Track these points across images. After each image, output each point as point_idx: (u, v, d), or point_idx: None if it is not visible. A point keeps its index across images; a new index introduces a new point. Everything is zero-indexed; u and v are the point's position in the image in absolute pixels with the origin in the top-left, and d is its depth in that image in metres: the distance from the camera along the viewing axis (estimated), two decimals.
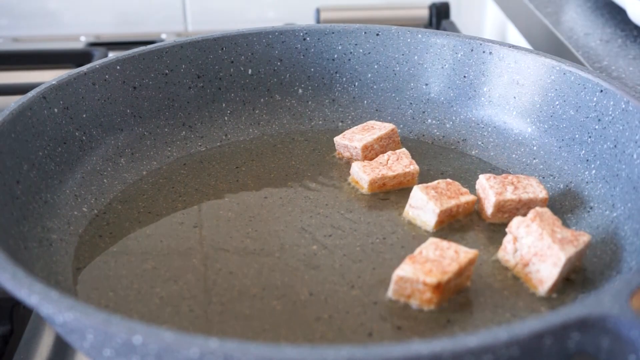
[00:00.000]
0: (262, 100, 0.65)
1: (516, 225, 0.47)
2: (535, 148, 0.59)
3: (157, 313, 0.44)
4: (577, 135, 0.56)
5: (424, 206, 0.51)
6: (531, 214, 0.47)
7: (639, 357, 0.32)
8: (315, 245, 0.49)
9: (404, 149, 0.57)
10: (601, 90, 0.54)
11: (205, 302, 0.45)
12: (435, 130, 0.64)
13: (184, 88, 0.63)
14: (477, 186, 0.53)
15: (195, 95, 0.63)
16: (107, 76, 0.58)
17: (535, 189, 0.52)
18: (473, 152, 0.61)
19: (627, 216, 0.48)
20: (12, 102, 0.51)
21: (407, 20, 0.97)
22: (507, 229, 0.47)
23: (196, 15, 1.10)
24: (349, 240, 0.50)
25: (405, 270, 0.43)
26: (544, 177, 0.57)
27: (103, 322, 0.32)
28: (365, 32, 0.65)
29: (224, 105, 0.64)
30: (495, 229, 0.51)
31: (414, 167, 0.56)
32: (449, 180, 0.53)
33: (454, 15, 1.04)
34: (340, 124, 0.65)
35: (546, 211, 0.47)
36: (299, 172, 0.59)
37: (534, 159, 0.58)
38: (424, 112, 0.65)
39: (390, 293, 0.44)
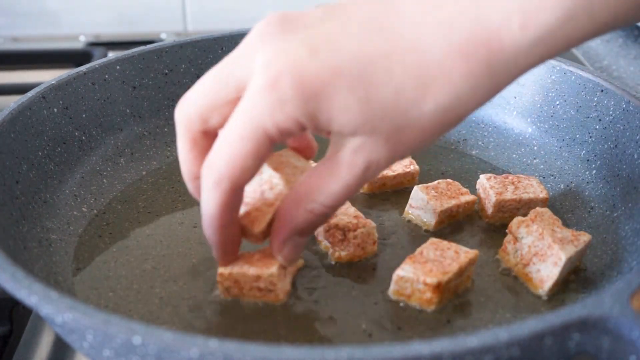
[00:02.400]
0: None
1: (516, 225, 0.47)
2: (535, 148, 0.59)
3: (157, 313, 0.44)
4: (577, 135, 0.56)
5: (424, 206, 0.51)
6: (531, 214, 0.47)
7: (639, 357, 0.31)
8: (315, 246, 0.49)
9: None
10: (602, 90, 0.54)
11: (205, 302, 0.44)
12: None
13: (184, 88, 0.62)
14: (477, 186, 0.53)
15: None
16: (106, 76, 0.58)
17: (535, 189, 0.52)
18: (473, 152, 0.61)
19: (628, 216, 0.48)
20: (12, 102, 0.51)
21: None
22: (507, 229, 0.47)
23: (196, 15, 1.10)
24: None
25: (405, 270, 0.43)
26: (544, 177, 0.57)
27: (102, 323, 0.31)
28: None
29: None
30: (496, 229, 0.51)
31: (414, 167, 0.56)
32: (449, 180, 0.53)
33: None
34: None
35: (546, 211, 0.47)
36: None
37: (535, 158, 0.58)
38: None
39: (390, 293, 0.44)
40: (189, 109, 0.40)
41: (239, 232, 0.42)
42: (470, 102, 0.36)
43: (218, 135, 0.38)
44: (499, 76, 0.35)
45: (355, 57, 0.35)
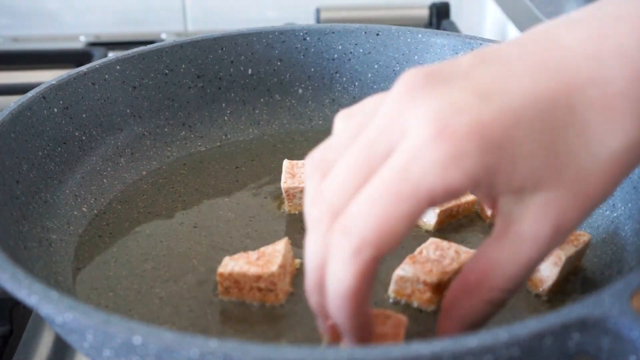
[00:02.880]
0: (262, 100, 0.65)
1: None
2: None
3: (157, 313, 0.44)
4: None
5: None
6: None
7: (639, 357, 0.31)
8: None
9: None
10: None
11: (205, 302, 0.44)
12: None
13: (184, 88, 0.63)
14: None
15: (195, 95, 0.63)
16: (106, 76, 0.58)
17: None
18: None
19: (628, 216, 0.48)
20: (12, 102, 0.51)
21: (407, 20, 0.97)
22: None
23: (196, 15, 1.10)
24: None
25: (405, 270, 0.43)
26: None
27: (103, 323, 0.31)
28: (365, 32, 0.65)
29: (224, 105, 0.64)
30: None
31: None
32: None
33: (454, 15, 1.04)
34: None
35: None
36: None
37: None
38: None
39: (390, 293, 0.44)
40: (362, 233, 0.31)
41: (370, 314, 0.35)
42: None
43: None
44: None
45: (533, 98, 0.31)
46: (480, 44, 0.62)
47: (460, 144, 0.29)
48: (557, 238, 0.32)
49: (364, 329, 0.34)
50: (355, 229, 0.30)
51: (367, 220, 0.30)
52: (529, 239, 0.32)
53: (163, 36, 1.02)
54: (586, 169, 0.32)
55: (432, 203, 0.30)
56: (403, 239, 0.31)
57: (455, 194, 0.30)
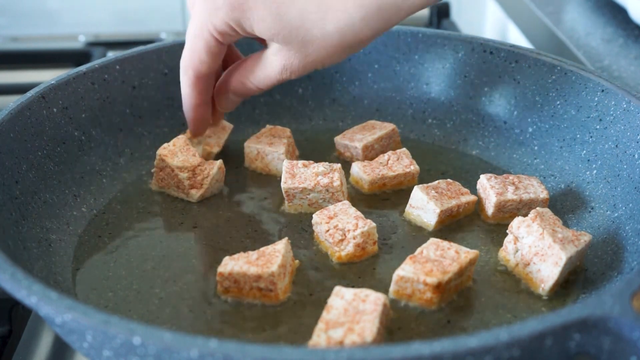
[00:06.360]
0: (262, 100, 0.65)
1: (517, 225, 0.47)
2: (536, 148, 0.59)
3: (156, 313, 0.44)
4: (578, 135, 0.56)
5: (424, 206, 0.51)
6: (532, 213, 0.47)
7: None
8: (315, 246, 0.49)
9: (404, 149, 0.57)
10: (602, 90, 0.54)
11: (205, 302, 0.44)
12: (436, 130, 0.64)
13: None
14: (477, 186, 0.53)
15: None
16: (106, 76, 0.58)
17: (536, 189, 0.51)
18: (474, 152, 0.61)
19: (629, 216, 0.48)
20: (11, 101, 0.51)
21: (408, 20, 0.97)
22: (507, 229, 0.47)
23: None
24: None
25: (405, 270, 0.43)
26: (545, 177, 0.56)
27: (102, 323, 0.31)
28: None
29: None
30: (496, 229, 0.51)
31: (414, 167, 0.55)
32: (449, 180, 0.53)
33: (455, 15, 1.04)
34: (340, 123, 0.65)
35: (547, 211, 0.47)
36: None
37: (535, 158, 0.58)
38: (424, 111, 0.64)
39: (390, 293, 0.44)
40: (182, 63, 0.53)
41: (207, 113, 0.56)
42: (364, 29, 0.46)
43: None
44: (387, 13, 0.46)
45: None
46: (481, 44, 0.62)
47: (217, 3, 0.48)
48: (285, 72, 0.50)
49: (199, 122, 0.56)
50: (182, 60, 0.53)
51: (185, 54, 0.52)
52: (268, 63, 0.50)
53: (162, 36, 1.02)
54: (306, 40, 0.47)
55: (216, 39, 0.50)
56: (211, 64, 0.51)
57: (226, 33, 0.49)
